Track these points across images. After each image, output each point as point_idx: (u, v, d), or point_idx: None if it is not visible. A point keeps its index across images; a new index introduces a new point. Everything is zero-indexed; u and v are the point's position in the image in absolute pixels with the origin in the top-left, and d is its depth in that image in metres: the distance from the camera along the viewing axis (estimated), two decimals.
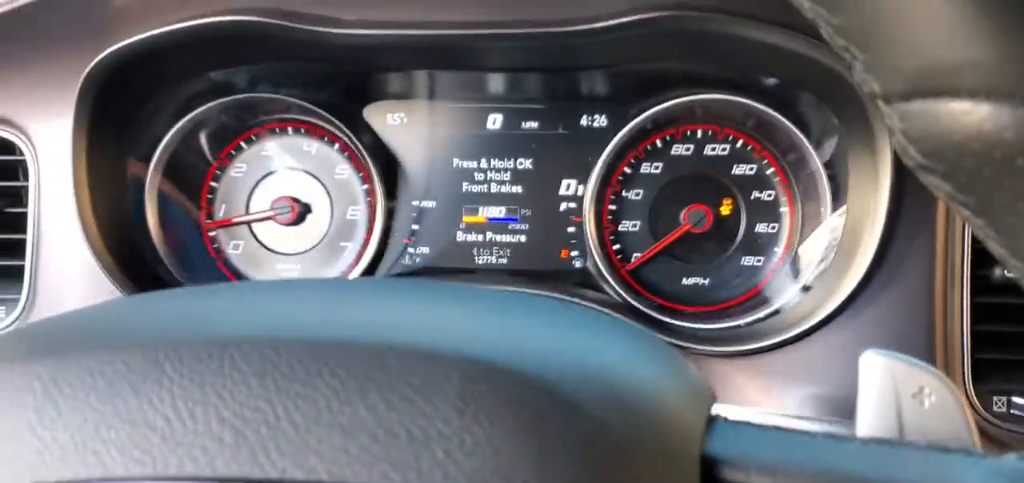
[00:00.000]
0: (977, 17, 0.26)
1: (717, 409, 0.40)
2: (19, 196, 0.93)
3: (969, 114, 0.27)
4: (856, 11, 0.29)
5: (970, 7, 0.26)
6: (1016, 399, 0.83)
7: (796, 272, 0.96)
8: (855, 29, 0.30)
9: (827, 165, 0.94)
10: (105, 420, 0.34)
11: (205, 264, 1.04)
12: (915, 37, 0.28)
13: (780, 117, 0.95)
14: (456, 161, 1.04)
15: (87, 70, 0.86)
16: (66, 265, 0.90)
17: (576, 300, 0.91)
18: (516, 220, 1.04)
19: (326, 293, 0.42)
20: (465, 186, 1.04)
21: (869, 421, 0.42)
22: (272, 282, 0.50)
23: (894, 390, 0.43)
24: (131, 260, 0.94)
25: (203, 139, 1.03)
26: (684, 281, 1.01)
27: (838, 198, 0.93)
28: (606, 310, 0.90)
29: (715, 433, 0.37)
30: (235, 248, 1.06)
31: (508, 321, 0.39)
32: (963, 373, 0.82)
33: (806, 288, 0.92)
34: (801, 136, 0.95)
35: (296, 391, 0.34)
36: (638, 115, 0.98)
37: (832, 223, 0.93)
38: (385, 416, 0.33)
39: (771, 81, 0.92)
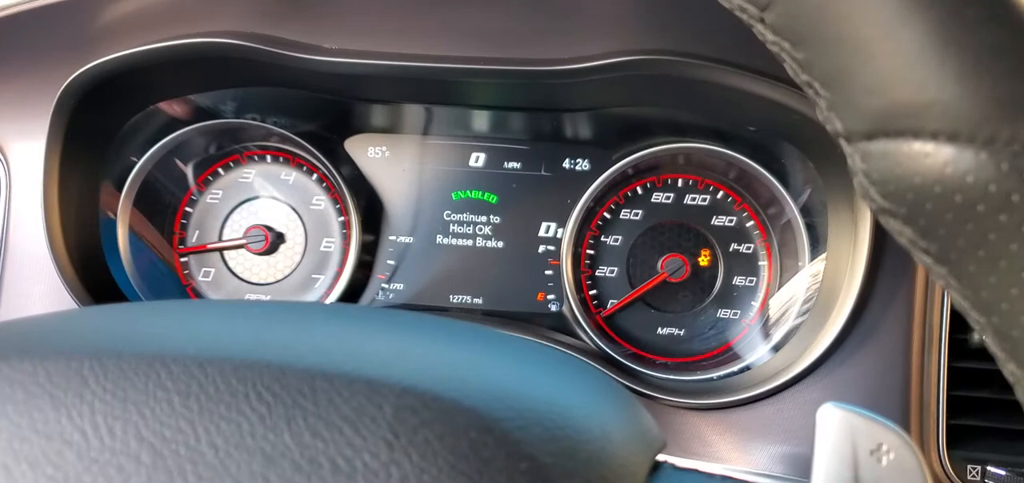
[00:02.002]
0: (941, 58, 0.26)
1: (664, 457, 0.39)
2: None
3: (931, 156, 0.27)
4: (820, 46, 0.29)
5: (934, 48, 0.26)
6: (991, 468, 0.81)
7: (769, 331, 0.95)
8: (818, 64, 0.30)
9: (807, 221, 0.94)
10: (20, 432, 0.33)
11: (174, 290, 1.02)
12: (878, 75, 0.27)
13: (762, 170, 0.94)
14: (436, 197, 1.03)
15: (62, 87, 0.85)
16: (32, 284, 0.88)
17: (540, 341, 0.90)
18: (493, 260, 1.03)
19: (265, 315, 0.40)
20: (444, 223, 1.03)
21: (824, 477, 0.41)
22: (213, 302, 0.48)
23: (851, 445, 0.41)
24: (98, 283, 0.93)
25: (179, 164, 1.03)
26: (659, 330, 1.00)
27: (817, 254, 0.92)
28: (562, 348, 0.89)
29: (659, 480, 0.36)
30: (205, 275, 1.04)
31: (449, 351, 0.37)
32: (938, 439, 0.81)
33: (776, 348, 0.91)
34: (782, 190, 0.94)
35: (219, 413, 0.33)
36: (620, 160, 0.98)
37: (809, 279, 0.92)
38: (310, 445, 0.32)
39: (750, 129, 0.92)
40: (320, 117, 1.02)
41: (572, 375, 0.39)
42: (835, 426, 0.42)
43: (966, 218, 0.27)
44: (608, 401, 0.38)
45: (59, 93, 0.85)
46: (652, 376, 0.91)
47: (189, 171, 1.03)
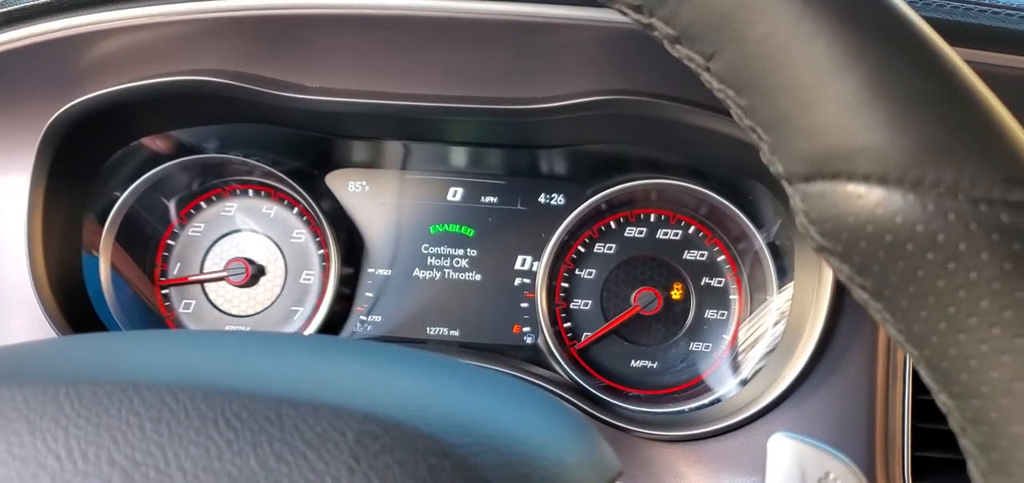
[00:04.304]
0: (871, 106, 0.28)
1: None
2: None
3: (863, 198, 0.28)
4: (760, 93, 0.31)
5: (865, 96, 0.28)
6: None
7: (739, 363, 0.97)
8: (760, 111, 0.31)
9: (775, 255, 0.96)
10: None
11: (155, 322, 1.03)
12: (814, 121, 0.29)
13: (731, 206, 0.97)
14: (414, 231, 1.05)
15: (48, 123, 0.87)
16: (14, 315, 0.89)
17: (516, 376, 0.91)
18: (470, 293, 1.04)
19: (238, 345, 0.42)
20: (422, 256, 1.05)
21: None
22: (188, 331, 0.50)
23: (800, 473, 0.43)
24: (80, 314, 0.94)
25: (162, 198, 1.04)
26: (632, 363, 1.02)
27: (784, 287, 0.94)
28: (520, 376, 0.91)
29: None
30: (186, 307, 1.05)
31: (411, 381, 0.39)
32: (903, 470, 0.82)
33: (746, 381, 0.93)
34: (751, 226, 0.97)
35: (189, 438, 0.34)
36: (594, 195, 1.00)
37: (777, 312, 0.94)
38: (275, 469, 0.33)
39: (719, 167, 0.94)
40: (301, 153, 1.03)
41: (530, 404, 0.40)
42: (785, 455, 0.44)
43: (897, 256, 0.28)
44: (564, 429, 0.40)
45: (45, 128, 0.87)
46: (625, 408, 0.92)
47: (172, 206, 1.05)
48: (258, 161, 1.01)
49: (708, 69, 0.34)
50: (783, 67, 0.30)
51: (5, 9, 0.84)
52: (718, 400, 0.93)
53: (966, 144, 0.27)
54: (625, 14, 0.35)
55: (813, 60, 0.29)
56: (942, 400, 0.32)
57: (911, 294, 0.29)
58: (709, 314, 1.02)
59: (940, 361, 0.30)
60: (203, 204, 1.06)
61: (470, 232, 1.04)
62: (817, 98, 0.29)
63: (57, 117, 0.86)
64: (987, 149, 0.27)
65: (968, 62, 0.80)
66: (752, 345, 0.97)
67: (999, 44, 0.77)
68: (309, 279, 1.05)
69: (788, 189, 0.33)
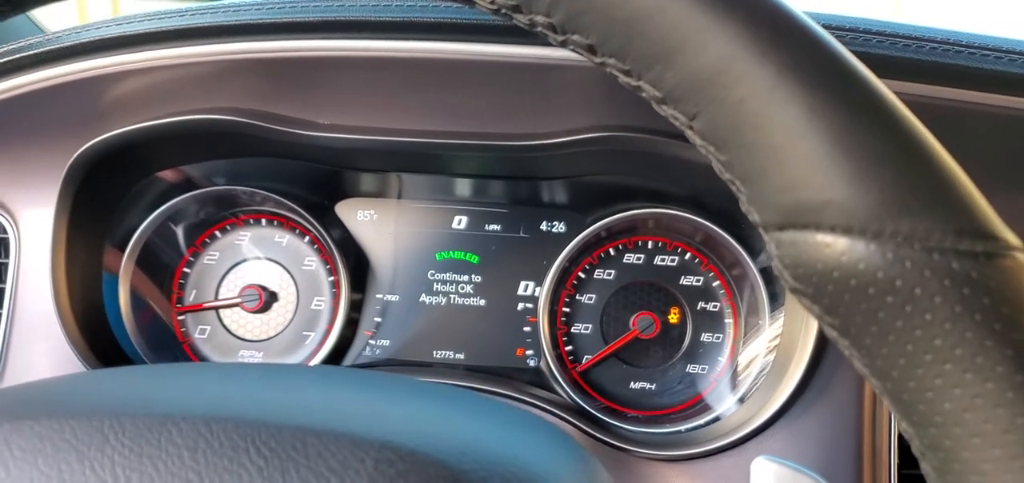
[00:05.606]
0: (838, 164, 0.30)
1: None
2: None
3: (830, 246, 0.31)
4: (738, 150, 0.34)
5: (832, 155, 0.31)
6: None
7: (734, 384, 1.00)
8: (738, 165, 0.34)
9: (768, 280, 0.99)
10: (49, 482, 0.38)
11: (172, 347, 1.07)
12: (786, 176, 0.32)
13: (725, 234, 1.00)
14: (421, 258, 1.09)
15: (71, 160, 0.91)
16: (38, 342, 0.93)
17: (519, 398, 0.95)
18: (475, 317, 1.08)
19: (264, 378, 0.46)
20: (428, 282, 1.09)
21: None
22: (217, 364, 0.54)
23: None
24: (101, 341, 0.98)
25: (178, 228, 1.08)
26: (631, 385, 1.05)
27: (776, 311, 0.98)
28: (523, 407, 0.94)
29: None
30: (202, 333, 1.09)
31: (424, 411, 0.43)
32: None
33: (741, 401, 0.96)
34: (744, 253, 1.00)
35: (223, 466, 0.38)
36: (594, 223, 1.04)
37: (769, 336, 0.98)
38: None
39: (714, 196, 0.98)
40: (312, 184, 1.07)
41: (530, 430, 0.44)
42: (767, 478, 0.47)
43: (860, 300, 0.31)
44: (562, 454, 0.44)
45: (69, 164, 0.91)
46: (624, 429, 0.95)
47: (183, 234, 1.09)
48: (271, 192, 1.05)
49: (691, 127, 0.38)
50: (758, 128, 0.32)
51: (32, 52, 0.88)
52: (715, 420, 0.96)
53: (921, 199, 0.30)
54: (615, 77, 0.38)
55: (785, 122, 0.32)
56: (904, 427, 0.35)
57: (874, 333, 0.32)
58: (705, 337, 1.05)
59: (900, 393, 0.32)
60: (218, 233, 1.10)
61: (475, 259, 1.08)
62: (789, 156, 0.32)
63: (80, 153, 0.91)
64: (939, 204, 0.30)
65: (939, 99, 0.84)
66: (747, 367, 1.00)
67: (973, 83, 0.81)
68: (320, 305, 1.09)
69: (764, 236, 0.36)
